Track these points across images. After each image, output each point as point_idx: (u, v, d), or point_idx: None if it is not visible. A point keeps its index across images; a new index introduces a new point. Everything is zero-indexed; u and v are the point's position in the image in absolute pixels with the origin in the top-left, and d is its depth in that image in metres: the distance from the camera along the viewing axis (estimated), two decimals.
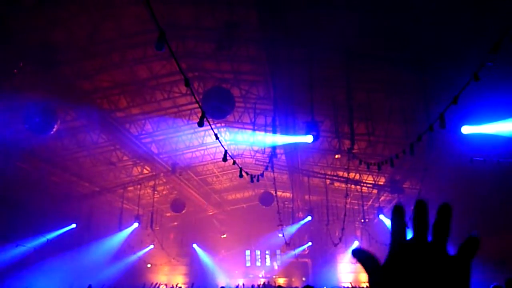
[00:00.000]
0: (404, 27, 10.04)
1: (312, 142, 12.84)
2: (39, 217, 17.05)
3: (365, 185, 21.12)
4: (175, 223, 30.43)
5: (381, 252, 0.65)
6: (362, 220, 23.54)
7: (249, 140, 18.34)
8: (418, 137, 7.87)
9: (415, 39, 10.29)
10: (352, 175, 19.96)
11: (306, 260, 29.77)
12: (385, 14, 9.83)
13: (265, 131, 15.94)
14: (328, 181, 21.37)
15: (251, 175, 10.75)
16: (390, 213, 0.66)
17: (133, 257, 25.21)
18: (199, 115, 5.87)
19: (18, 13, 10.36)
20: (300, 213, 25.34)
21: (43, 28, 11.07)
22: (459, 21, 8.99)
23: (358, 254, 0.66)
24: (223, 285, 16.20)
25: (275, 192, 18.56)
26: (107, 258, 21.84)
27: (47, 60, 11.42)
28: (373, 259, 0.65)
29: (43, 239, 17.22)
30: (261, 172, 12.04)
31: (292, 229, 25.20)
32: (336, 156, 18.91)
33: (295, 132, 14.53)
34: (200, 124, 5.55)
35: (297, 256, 28.16)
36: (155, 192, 23.43)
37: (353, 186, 20.89)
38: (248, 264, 32.06)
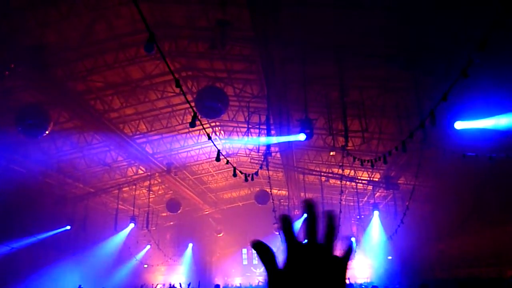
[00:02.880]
0: (396, 25, 10.07)
1: (306, 139, 12.87)
2: (33, 219, 16.97)
3: (360, 181, 21.20)
4: (171, 223, 30.41)
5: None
6: (358, 217, 23.63)
7: (243, 138, 18.34)
8: (410, 134, 7.92)
9: (407, 36, 10.33)
10: (347, 172, 20.04)
11: None
12: (377, 12, 9.85)
13: (260, 129, 15.94)
14: (323, 178, 21.43)
15: (245, 174, 10.75)
16: (280, 222, 0.72)
17: (129, 258, 25.15)
18: None
19: (8, 14, 10.27)
20: (296, 210, 25.39)
21: (34, 29, 10.99)
22: (450, 19, 9.03)
23: (258, 248, 0.70)
24: (218, 283, 16.19)
25: (271, 190, 18.59)
26: (104, 261, 21.78)
27: (39, 61, 11.33)
28: (272, 257, 0.70)
29: (34, 239, 17.11)
30: (256, 170, 12.05)
31: None
32: (331, 153, 18.96)
33: (289, 130, 14.55)
34: (192, 125, 5.55)
35: None
36: (151, 192, 23.39)
37: (348, 183, 20.95)
38: (245, 262, 32.11)
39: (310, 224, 0.70)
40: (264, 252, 0.69)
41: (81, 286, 11.06)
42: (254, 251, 0.70)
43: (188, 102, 6.27)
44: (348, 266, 0.70)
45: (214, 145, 7.71)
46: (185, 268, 29.78)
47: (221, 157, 7.72)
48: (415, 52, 10.74)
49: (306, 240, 0.69)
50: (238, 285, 20.35)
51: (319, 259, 0.68)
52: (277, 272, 0.69)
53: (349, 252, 0.72)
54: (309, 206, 0.71)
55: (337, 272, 0.69)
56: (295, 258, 0.68)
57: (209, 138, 6.71)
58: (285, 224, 0.70)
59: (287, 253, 0.69)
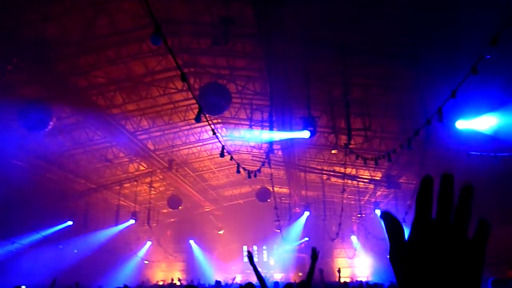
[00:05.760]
0: (399, 21, 10.02)
1: (309, 137, 12.83)
2: (35, 214, 16.98)
3: (361, 180, 21.17)
4: (172, 220, 30.43)
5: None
6: (359, 215, 23.62)
7: (245, 136, 18.31)
8: (416, 132, 7.89)
9: (411, 33, 10.28)
10: (348, 170, 20.01)
11: (303, 255, 29.85)
12: (380, 9, 9.80)
13: (262, 126, 15.90)
14: (325, 177, 21.40)
15: (248, 171, 10.74)
16: (419, 184, 0.65)
17: (130, 254, 25.16)
18: (196, 111, 5.85)
19: (11, 8, 10.25)
20: (297, 208, 25.39)
21: (37, 24, 10.96)
22: (454, 16, 8.98)
23: (387, 219, 0.66)
24: (218, 279, 16.19)
25: (272, 188, 18.59)
26: (102, 254, 21.73)
27: (41, 56, 11.31)
28: (400, 229, 0.66)
29: (38, 236, 17.15)
30: (258, 168, 12.03)
31: (289, 224, 25.25)
32: (333, 152, 18.91)
33: (291, 128, 14.52)
34: (197, 119, 5.53)
35: (294, 251, 28.21)
36: (152, 188, 23.38)
37: (349, 181, 20.93)
38: (245, 259, 32.11)
39: (443, 202, 0.63)
40: (392, 223, 0.65)
41: (79, 283, 11.08)
42: (382, 221, 0.67)
43: (194, 96, 6.25)
44: (483, 252, 0.63)
45: (219, 141, 7.69)
46: (198, 266, 29.66)
47: (225, 153, 7.70)
48: (419, 49, 10.69)
49: (436, 217, 0.63)
50: (239, 282, 20.33)
51: (450, 238, 0.62)
52: (403, 244, 0.64)
53: (484, 237, 0.63)
54: (447, 181, 0.63)
55: (470, 256, 0.62)
56: (424, 233, 0.63)
57: (214, 133, 6.68)
58: (427, 189, 0.64)
59: (415, 227, 0.64)
